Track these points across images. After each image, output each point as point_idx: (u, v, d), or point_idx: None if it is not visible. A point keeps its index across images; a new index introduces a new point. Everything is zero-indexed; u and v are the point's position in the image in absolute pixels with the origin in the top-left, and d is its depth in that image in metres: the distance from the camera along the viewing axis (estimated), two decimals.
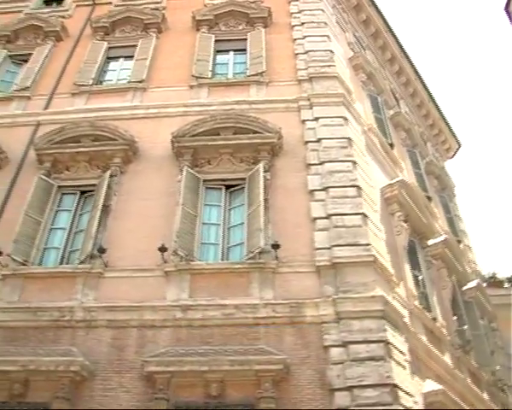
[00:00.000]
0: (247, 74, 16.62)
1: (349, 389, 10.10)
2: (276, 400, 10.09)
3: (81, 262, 12.60)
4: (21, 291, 12.51)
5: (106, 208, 13.47)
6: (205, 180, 13.88)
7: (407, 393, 10.52)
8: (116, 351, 11.26)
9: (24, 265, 12.83)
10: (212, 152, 14.13)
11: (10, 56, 19.68)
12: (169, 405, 10.31)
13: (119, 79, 17.76)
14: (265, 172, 13.40)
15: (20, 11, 21.79)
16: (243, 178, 13.73)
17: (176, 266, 12.07)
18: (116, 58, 18.73)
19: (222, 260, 12.51)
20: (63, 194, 14.54)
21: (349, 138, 14.20)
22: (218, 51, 18.00)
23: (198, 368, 10.46)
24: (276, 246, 11.84)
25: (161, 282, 12.06)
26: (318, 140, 14.10)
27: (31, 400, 10.76)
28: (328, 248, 12.02)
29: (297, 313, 11.19)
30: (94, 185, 14.18)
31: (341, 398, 10.06)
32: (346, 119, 14.77)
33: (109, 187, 13.81)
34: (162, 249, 12.05)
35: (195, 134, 14.34)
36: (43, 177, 14.41)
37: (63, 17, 20.91)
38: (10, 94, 17.72)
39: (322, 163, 13.58)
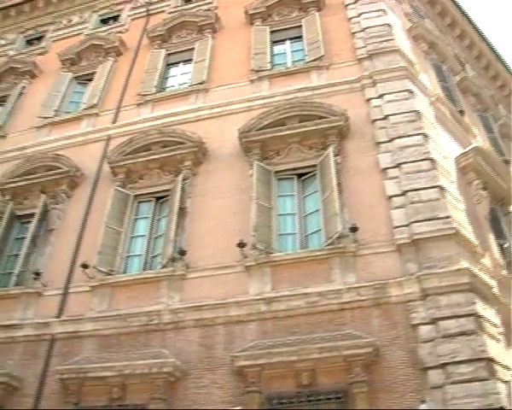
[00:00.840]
0: (306, 61, 16.51)
1: (442, 366, 9.88)
2: (368, 383, 10.02)
3: (163, 266, 12.94)
4: (110, 300, 13.05)
5: (182, 211, 13.77)
6: (276, 172, 13.91)
7: (504, 366, 10.18)
8: (205, 349, 11.53)
9: (110, 274, 13.33)
10: (280, 143, 14.12)
11: (76, 78, 20.55)
12: (262, 397, 10.42)
13: (180, 84, 18.10)
14: (336, 155, 13.27)
15: (79, 34, 22.70)
16: (314, 165, 13.67)
17: (256, 260, 12.17)
18: (175, 64, 19.13)
19: (301, 249, 12.48)
20: (139, 202, 14.98)
21: (417, 111, 13.84)
22: (274, 42, 17.99)
23: (287, 359, 10.50)
24: (354, 229, 11.72)
25: (243, 277, 12.21)
26: (385, 117, 13.83)
27: (129, 402, 11.26)
28: (407, 226, 11.77)
29: (381, 294, 11.03)
30: (168, 190, 14.52)
31: (435, 376, 9.86)
32: (411, 92, 14.40)
33: (183, 190, 14.09)
34: (241, 245, 12.18)
35: (262, 127, 14.39)
36: (119, 188, 14.90)
37: (120, 32, 21.59)
38: (80, 113, 18.43)
39: (391, 140, 13.30)
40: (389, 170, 12.83)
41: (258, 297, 11.72)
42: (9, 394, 12.22)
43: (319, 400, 10.18)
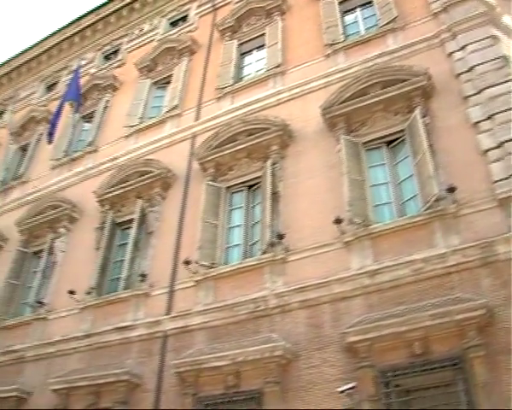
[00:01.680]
0: (380, 25, 15.95)
1: None
2: (485, 346, 9.61)
3: (263, 252, 13.06)
4: (215, 292, 13.39)
5: (275, 196, 13.81)
6: (363, 143, 13.65)
7: None
8: (313, 329, 11.57)
9: (212, 267, 13.65)
10: (365, 113, 13.81)
11: (154, 83, 21.14)
12: (375, 371, 10.31)
13: (256, 71, 18.16)
14: (423, 117, 12.78)
15: (152, 40, 23.27)
16: (402, 130, 13.28)
17: (354, 235, 12.04)
18: (249, 52, 19.24)
19: (399, 217, 12.16)
20: (232, 193, 15.22)
21: (504, 56, 12.95)
22: (344, 13, 17.60)
23: (397, 329, 10.28)
24: (451, 189, 11.25)
25: (343, 253, 12.12)
26: (470, 69, 13.10)
27: (245, 388, 11.52)
28: (508, 178, 11.09)
29: (489, 252, 10.52)
30: (259, 177, 14.66)
31: None
32: (495, 37, 13.49)
33: (273, 175, 14.12)
34: (338, 221, 12.07)
35: (344, 100, 14.13)
36: (211, 182, 15.17)
37: (191, 31, 21.91)
38: (163, 116, 18.94)
39: (480, 91, 12.58)
40: (481, 123, 12.16)
41: (360, 271, 11.58)
42: (131, 390, 12.96)
43: (434, 368, 9.88)
